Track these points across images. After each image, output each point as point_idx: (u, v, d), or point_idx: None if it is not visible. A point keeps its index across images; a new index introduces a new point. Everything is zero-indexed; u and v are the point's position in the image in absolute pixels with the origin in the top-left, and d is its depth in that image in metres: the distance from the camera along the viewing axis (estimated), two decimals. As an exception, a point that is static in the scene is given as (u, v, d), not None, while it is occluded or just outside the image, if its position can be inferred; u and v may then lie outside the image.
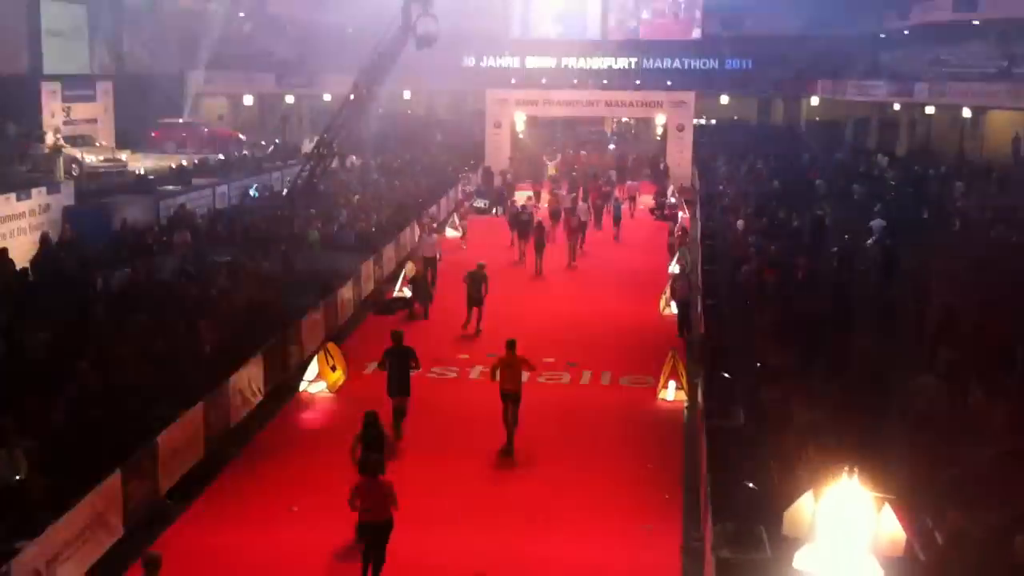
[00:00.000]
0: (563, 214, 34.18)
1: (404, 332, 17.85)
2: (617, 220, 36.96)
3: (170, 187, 36.08)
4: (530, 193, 41.35)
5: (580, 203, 35.95)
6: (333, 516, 13.35)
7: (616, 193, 41.78)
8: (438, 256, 28.54)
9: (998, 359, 16.94)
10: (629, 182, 45.26)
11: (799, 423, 14.99)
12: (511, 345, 17.20)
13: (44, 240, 26.85)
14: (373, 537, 12.29)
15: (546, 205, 37.67)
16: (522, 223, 32.31)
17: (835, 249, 28.68)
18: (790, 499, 11.83)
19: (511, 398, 17.00)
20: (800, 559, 10.45)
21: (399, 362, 17.15)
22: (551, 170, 48.41)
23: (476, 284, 23.74)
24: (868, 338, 19.11)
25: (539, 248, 30.18)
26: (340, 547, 13.08)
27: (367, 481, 12.29)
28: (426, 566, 12.95)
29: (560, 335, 23.25)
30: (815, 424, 14.83)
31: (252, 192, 38.55)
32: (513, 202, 38.85)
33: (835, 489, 10.26)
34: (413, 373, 17.27)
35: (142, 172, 39.47)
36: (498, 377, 17.08)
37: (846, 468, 10.45)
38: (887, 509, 10.50)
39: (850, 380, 17.02)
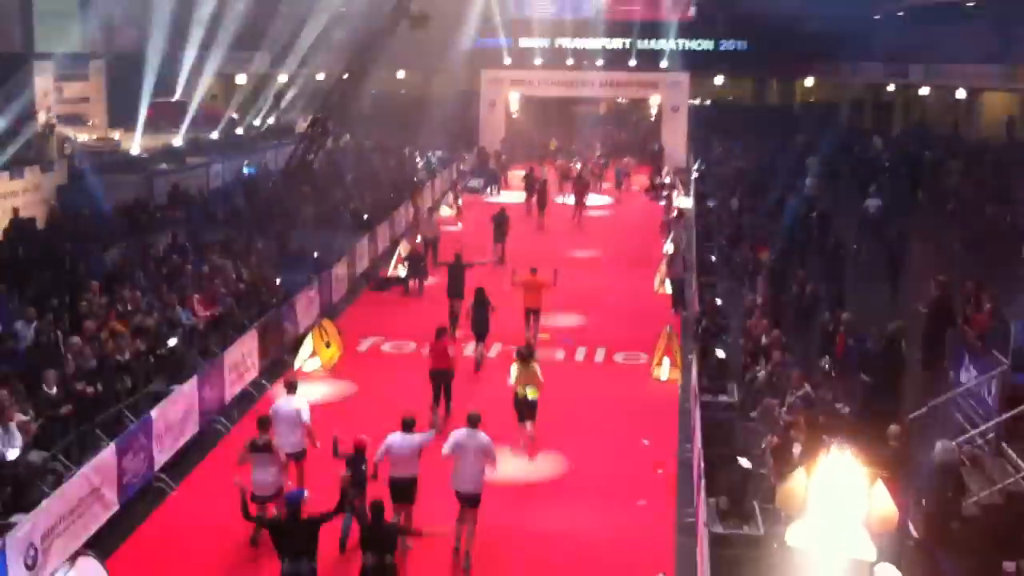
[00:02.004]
0: (571, 179, 39.35)
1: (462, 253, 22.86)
2: (619, 184, 41.66)
3: (164, 166, 36.00)
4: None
5: (584, 169, 41.03)
6: (327, 492, 13.33)
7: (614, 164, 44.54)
8: (438, 236, 28.50)
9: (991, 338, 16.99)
10: (625, 159, 45.31)
11: (792, 400, 15.03)
12: (534, 271, 21.08)
13: (38, 218, 26.87)
14: (441, 379, 16.84)
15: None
16: (531, 182, 37.03)
17: (814, 214, 28.84)
18: (783, 475, 11.92)
19: (533, 312, 20.90)
20: (793, 534, 10.51)
21: (456, 272, 21.74)
22: (551, 145, 49.91)
23: (500, 223, 28.47)
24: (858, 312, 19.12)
25: (542, 205, 35.13)
26: (334, 522, 13.05)
27: (436, 342, 16.99)
28: (419, 545, 12.97)
29: (556, 310, 23.24)
30: (808, 400, 14.88)
31: (245, 169, 38.46)
32: (532, 167, 40.91)
33: (827, 465, 10.31)
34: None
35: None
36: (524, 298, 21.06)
37: (838, 444, 10.51)
38: (879, 485, 10.56)
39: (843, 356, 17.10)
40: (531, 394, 15.77)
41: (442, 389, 16.90)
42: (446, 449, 12.71)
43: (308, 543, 10.51)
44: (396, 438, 12.64)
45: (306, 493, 11.17)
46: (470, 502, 12.67)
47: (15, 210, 26.84)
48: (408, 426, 12.75)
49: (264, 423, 13.16)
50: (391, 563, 10.73)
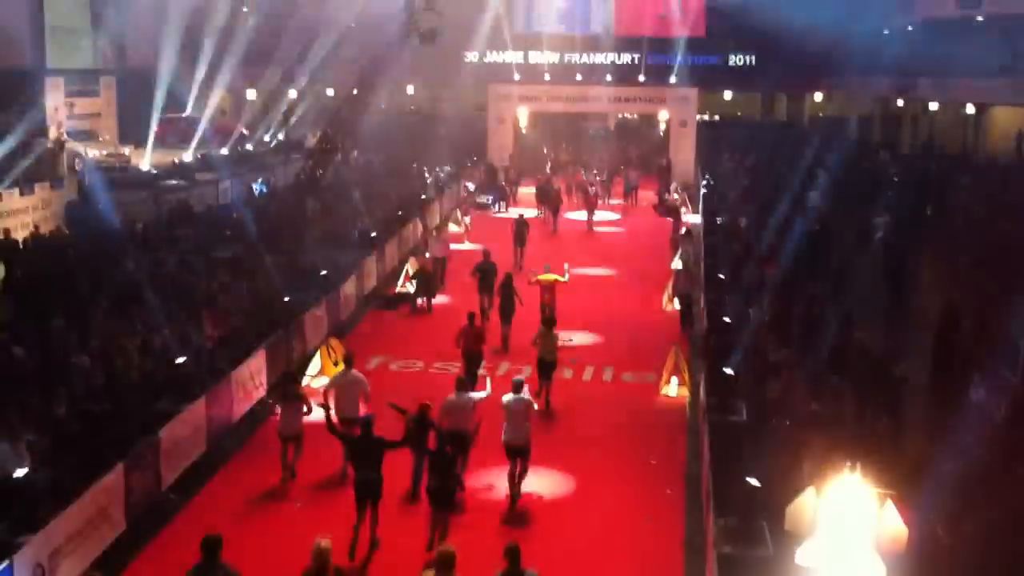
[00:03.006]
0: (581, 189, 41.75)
1: (490, 252, 25.09)
2: (628, 194, 43.78)
3: (173, 182, 36.07)
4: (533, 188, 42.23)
5: (594, 180, 43.12)
6: (335, 511, 13.41)
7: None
8: (447, 255, 28.47)
9: (1000, 355, 16.93)
10: (631, 172, 45.49)
11: (801, 418, 14.99)
12: (547, 269, 23.44)
13: (47, 235, 26.91)
14: (474, 360, 18.96)
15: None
16: (545, 191, 39.58)
17: (817, 227, 28.86)
18: (792, 495, 11.85)
19: (548, 307, 22.53)
20: (802, 555, 10.45)
21: (487, 271, 24.04)
22: (562, 157, 51.64)
23: (520, 228, 30.78)
24: (869, 332, 19.08)
25: (555, 211, 37.74)
26: (342, 540, 13.06)
27: (468, 327, 19.19)
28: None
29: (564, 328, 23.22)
30: (817, 419, 14.84)
31: (256, 187, 38.57)
32: (547, 175, 44.39)
33: (837, 485, 10.26)
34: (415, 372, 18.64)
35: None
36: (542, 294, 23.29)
37: (848, 464, 10.45)
38: (889, 505, 10.50)
39: (851, 374, 17.04)
40: (549, 355, 18.88)
41: (474, 369, 18.89)
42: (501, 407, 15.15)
43: (376, 457, 13.06)
44: (452, 398, 15.05)
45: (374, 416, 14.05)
46: (520, 454, 14.94)
47: (1, 228, 26.85)
48: (463, 386, 15.29)
49: (294, 377, 16.83)
50: (450, 485, 13.38)
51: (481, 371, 18.98)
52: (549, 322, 19.40)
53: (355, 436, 13.76)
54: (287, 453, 15.34)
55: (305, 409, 15.41)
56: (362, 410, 15.42)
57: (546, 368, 18.93)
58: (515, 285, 22.67)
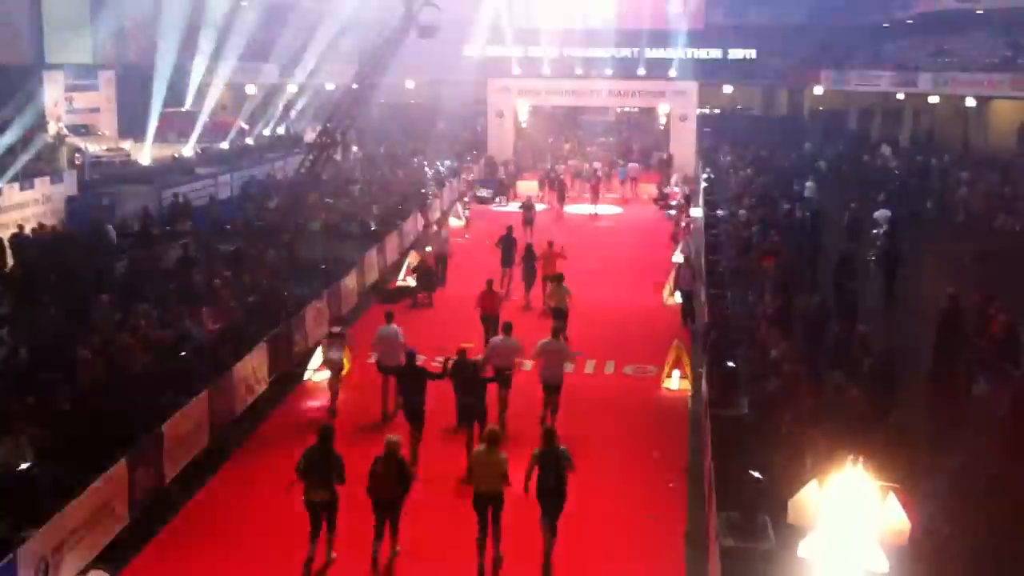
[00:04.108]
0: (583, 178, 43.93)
1: (512, 226, 28.04)
2: (623, 181, 44.79)
3: (173, 176, 36.06)
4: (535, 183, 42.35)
5: (596, 168, 44.12)
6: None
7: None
8: (448, 251, 28.41)
9: (1002, 349, 16.93)
10: (630, 164, 45.57)
11: (803, 411, 14.99)
12: (550, 245, 25.84)
13: (47, 229, 26.90)
14: (491, 323, 20.36)
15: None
16: (551, 179, 41.82)
17: (810, 214, 28.88)
18: (794, 488, 11.86)
19: (552, 279, 23.50)
20: (804, 548, 10.46)
21: (508, 245, 26.75)
22: (567, 147, 52.42)
23: (528, 209, 33.59)
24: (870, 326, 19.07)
25: (560, 198, 39.77)
26: (344, 536, 13.07)
27: (486, 292, 21.34)
28: (426, 550, 13.02)
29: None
30: (819, 412, 14.83)
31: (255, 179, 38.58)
32: (551, 166, 46.00)
33: (840, 478, 10.27)
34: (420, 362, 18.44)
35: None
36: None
37: (851, 457, 10.46)
38: (892, 498, 10.51)
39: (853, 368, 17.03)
40: (562, 304, 21.94)
41: (491, 330, 20.15)
42: (535, 353, 17.43)
43: (419, 385, 15.75)
44: (498, 339, 17.54)
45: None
46: (554, 390, 17.16)
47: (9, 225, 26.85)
48: (508, 329, 17.57)
49: (340, 321, 20.78)
50: (482, 404, 15.68)
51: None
52: (559, 278, 22.52)
53: (402, 366, 16.30)
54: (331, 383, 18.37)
55: (342, 344, 18.74)
56: (401, 360, 17.04)
57: (559, 318, 21.43)
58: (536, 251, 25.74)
